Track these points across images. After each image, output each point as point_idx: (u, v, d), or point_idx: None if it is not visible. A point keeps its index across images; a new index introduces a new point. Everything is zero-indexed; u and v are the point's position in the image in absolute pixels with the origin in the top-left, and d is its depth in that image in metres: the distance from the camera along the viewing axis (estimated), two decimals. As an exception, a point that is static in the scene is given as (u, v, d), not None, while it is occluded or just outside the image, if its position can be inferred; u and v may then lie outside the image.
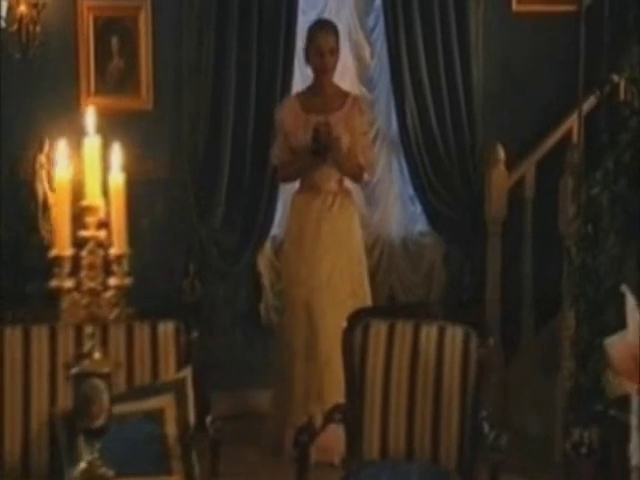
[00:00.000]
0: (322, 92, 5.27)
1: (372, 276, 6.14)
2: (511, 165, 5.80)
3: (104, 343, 3.28)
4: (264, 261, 5.95)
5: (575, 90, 4.60)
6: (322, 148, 5.05)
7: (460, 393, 3.18)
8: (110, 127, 5.53)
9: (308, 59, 5.28)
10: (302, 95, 5.36)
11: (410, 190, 6.11)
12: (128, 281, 2.47)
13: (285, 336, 5.25)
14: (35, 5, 5.22)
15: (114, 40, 5.55)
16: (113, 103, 5.60)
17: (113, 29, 5.54)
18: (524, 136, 5.97)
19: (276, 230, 5.93)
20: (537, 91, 6.00)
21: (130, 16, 5.55)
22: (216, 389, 5.88)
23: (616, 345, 2.40)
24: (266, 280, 5.96)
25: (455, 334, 3.20)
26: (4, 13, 5.21)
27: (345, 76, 5.97)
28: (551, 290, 5.33)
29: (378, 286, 6.15)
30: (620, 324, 4.26)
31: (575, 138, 5.52)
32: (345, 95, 5.33)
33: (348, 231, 5.30)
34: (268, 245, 5.94)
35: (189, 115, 5.72)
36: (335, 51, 5.21)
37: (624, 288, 2.48)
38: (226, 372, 5.78)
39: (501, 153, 5.67)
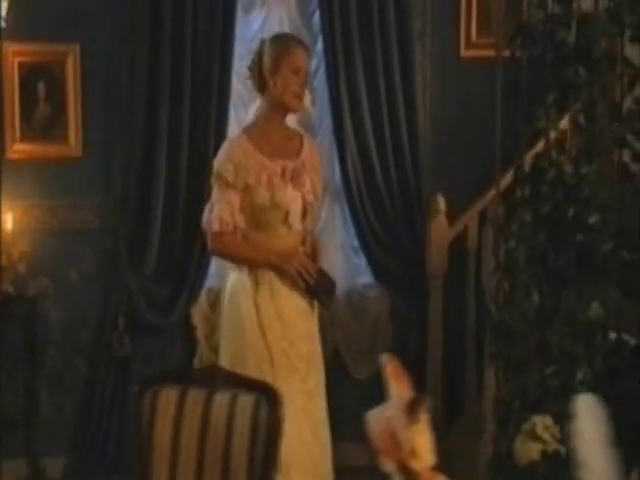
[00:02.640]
0: (280, 129, 4.18)
1: (315, 330, 5.94)
2: (456, 216, 5.59)
3: None
4: (198, 314, 5.72)
5: (500, 138, 4.37)
6: (321, 293, 4.23)
7: (247, 466, 2.93)
8: (37, 174, 5.49)
9: (264, 82, 4.11)
10: (251, 134, 4.16)
11: (354, 241, 5.91)
12: None
13: None
14: (-45, 48, 5.06)
15: (40, 85, 5.37)
16: (40, 150, 5.42)
17: (39, 74, 5.35)
18: (472, 186, 5.76)
19: (211, 281, 5.71)
20: (485, 139, 5.78)
21: (57, 61, 5.37)
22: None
23: (375, 419, 2.17)
24: (200, 334, 5.73)
25: (246, 402, 2.97)
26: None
27: (285, 123, 5.80)
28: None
29: (323, 340, 5.92)
30: (543, 385, 4.03)
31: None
32: (299, 134, 4.37)
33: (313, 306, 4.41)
34: (203, 297, 5.70)
35: (120, 162, 5.52)
36: (308, 78, 4.22)
37: (382, 357, 2.26)
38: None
39: (441, 204, 5.45)
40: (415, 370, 5.63)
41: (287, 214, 4.08)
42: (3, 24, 5.13)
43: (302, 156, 4.17)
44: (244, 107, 5.71)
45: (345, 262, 5.95)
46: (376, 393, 6.23)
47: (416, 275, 5.74)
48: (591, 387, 3.88)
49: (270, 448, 2.92)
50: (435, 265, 5.45)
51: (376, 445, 2.10)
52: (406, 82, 5.74)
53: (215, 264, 5.69)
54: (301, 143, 4.22)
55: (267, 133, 4.13)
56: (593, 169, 3.75)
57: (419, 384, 5.76)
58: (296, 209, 4.12)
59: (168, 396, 3.03)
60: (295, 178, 4.11)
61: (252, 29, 5.70)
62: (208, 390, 3.01)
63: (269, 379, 3.82)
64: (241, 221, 4.07)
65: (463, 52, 5.89)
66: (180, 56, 5.46)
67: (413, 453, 2.07)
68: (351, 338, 5.96)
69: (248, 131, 4.18)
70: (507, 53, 4.80)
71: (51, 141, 5.43)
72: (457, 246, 5.55)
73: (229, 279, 4.23)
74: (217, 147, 5.50)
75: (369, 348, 5.97)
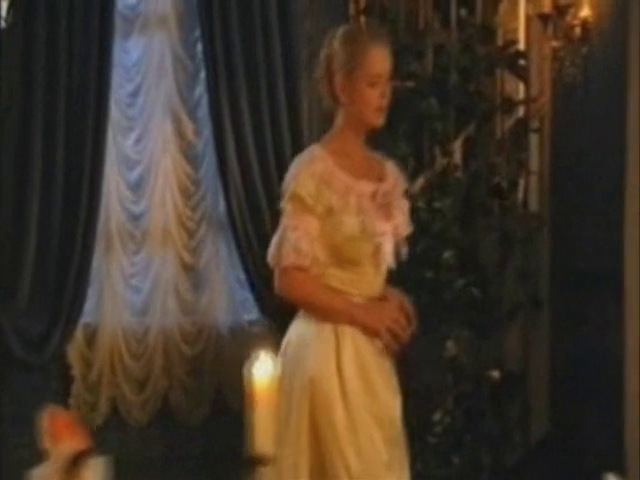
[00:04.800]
0: (359, 147, 3.34)
1: (197, 368, 5.76)
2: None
3: None
4: (74, 351, 5.51)
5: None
6: None
7: None
8: None
9: (336, 95, 3.29)
10: (331, 147, 3.31)
11: (240, 275, 5.74)
12: None
13: None
14: None
15: None
16: None
17: None
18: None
19: (88, 317, 5.50)
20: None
21: None
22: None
23: (36, 477, 2.01)
24: (76, 372, 5.52)
25: None
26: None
27: (167, 153, 5.64)
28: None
29: (205, 379, 5.75)
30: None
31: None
32: (379, 156, 3.48)
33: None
34: (79, 333, 5.50)
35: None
36: (389, 80, 3.28)
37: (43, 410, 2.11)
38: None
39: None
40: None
41: (378, 248, 3.24)
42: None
43: (389, 181, 3.35)
44: (123, 136, 5.55)
45: (229, 297, 5.79)
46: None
47: (303, 311, 5.58)
48: (448, 428, 3.75)
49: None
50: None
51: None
52: (292, 113, 5.60)
53: (92, 298, 5.51)
54: (383, 167, 3.41)
55: (347, 149, 3.30)
56: (447, 204, 3.62)
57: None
58: (388, 243, 3.27)
59: None
60: (386, 206, 3.29)
61: (132, 56, 5.55)
62: None
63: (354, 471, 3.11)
64: (322, 255, 3.21)
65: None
66: (54, 83, 5.26)
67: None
68: (236, 376, 5.76)
69: (327, 144, 3.31)
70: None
71: None
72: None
73: (293, 329, 3.47)
74: (93, 179, 5.39)
75: (255, 386, 5.79)
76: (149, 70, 5.54)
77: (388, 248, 3.24)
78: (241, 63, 5.51)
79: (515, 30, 4.17)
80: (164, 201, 5.64)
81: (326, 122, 5.70)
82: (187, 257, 5.70)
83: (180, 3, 5.54)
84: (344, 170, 3.21)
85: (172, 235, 5.65)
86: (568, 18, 3.96)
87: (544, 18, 4.03)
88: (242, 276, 5.72)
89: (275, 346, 5.69)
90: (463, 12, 3.67)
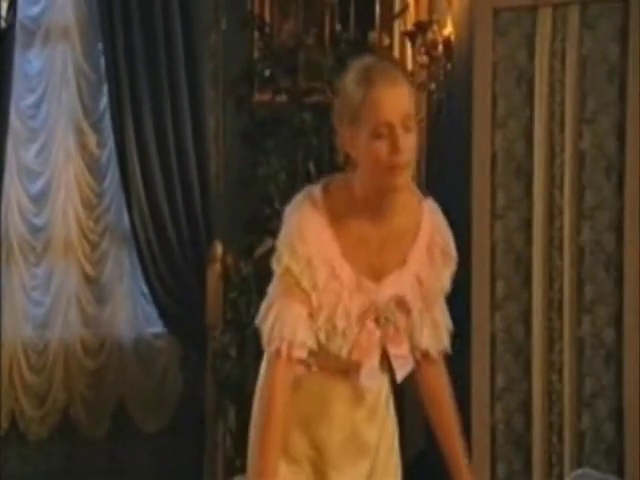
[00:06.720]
0: (381, 218, 2.49)
1: (99, 381, 5.71)
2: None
3: None
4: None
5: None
6: None
7: None
8: None
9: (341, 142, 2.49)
10: (336, 217, 2.49)
11: (144, 288, 5.70)
12: None
13: None
14: None
15: None
16: None
17: None
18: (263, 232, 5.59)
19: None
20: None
21: None
22: None
23: None
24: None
25: None
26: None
27: (69, 165, 5.60)
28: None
29: (107, 393, 5.70)
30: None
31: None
32: (413, 215, 2.57)
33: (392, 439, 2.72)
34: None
35: None
36: (411, 127, 2.40)
37: None
38: None
39: (219, 251, 5.29)
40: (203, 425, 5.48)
41: (358, 366, 2.51)
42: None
43: (416, 256, 2.55)
44: (25, 147, 5.51)
45: (132, 310, 5.74)
46: (166, 447, 6.00)
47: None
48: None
49: None
50: (211, 315, 5.25)
51: None
52: (196, 127, 5.57)
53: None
54: (416, 232, 2.56)
55: (364, 217, 2.49)
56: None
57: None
58: (372, 363, 2.52)
59: None
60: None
61: (34, 66, 5.50)
62: None
63: None
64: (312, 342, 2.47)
65: (257, 96, 5.74)
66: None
67: None
68: (139, 390, 5.74)
69: (329, 207, 2.49)
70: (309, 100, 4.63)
71: None
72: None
73: None
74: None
75: (158, 400, 5.76)
76: (51, 81, 5.50)
77: (373, 370, 2.49)
78: (144, 76, 5.48)
79: (390, 47, 4.18)
80: (66, 213, 5.60)
81: (231, 132, 5.74)
82: (89, 269, 5.66)
83: (82, 15, 5.51)
84: (342, 253, 2.47)
85: (74, 247, 5.61)
86: (431, 35, 3.96)
87: (410, 35, 4.03)
88: (145, 289, 5.69)
89: (179, 358, 5.72)
90: (337, 28, 3.66)
